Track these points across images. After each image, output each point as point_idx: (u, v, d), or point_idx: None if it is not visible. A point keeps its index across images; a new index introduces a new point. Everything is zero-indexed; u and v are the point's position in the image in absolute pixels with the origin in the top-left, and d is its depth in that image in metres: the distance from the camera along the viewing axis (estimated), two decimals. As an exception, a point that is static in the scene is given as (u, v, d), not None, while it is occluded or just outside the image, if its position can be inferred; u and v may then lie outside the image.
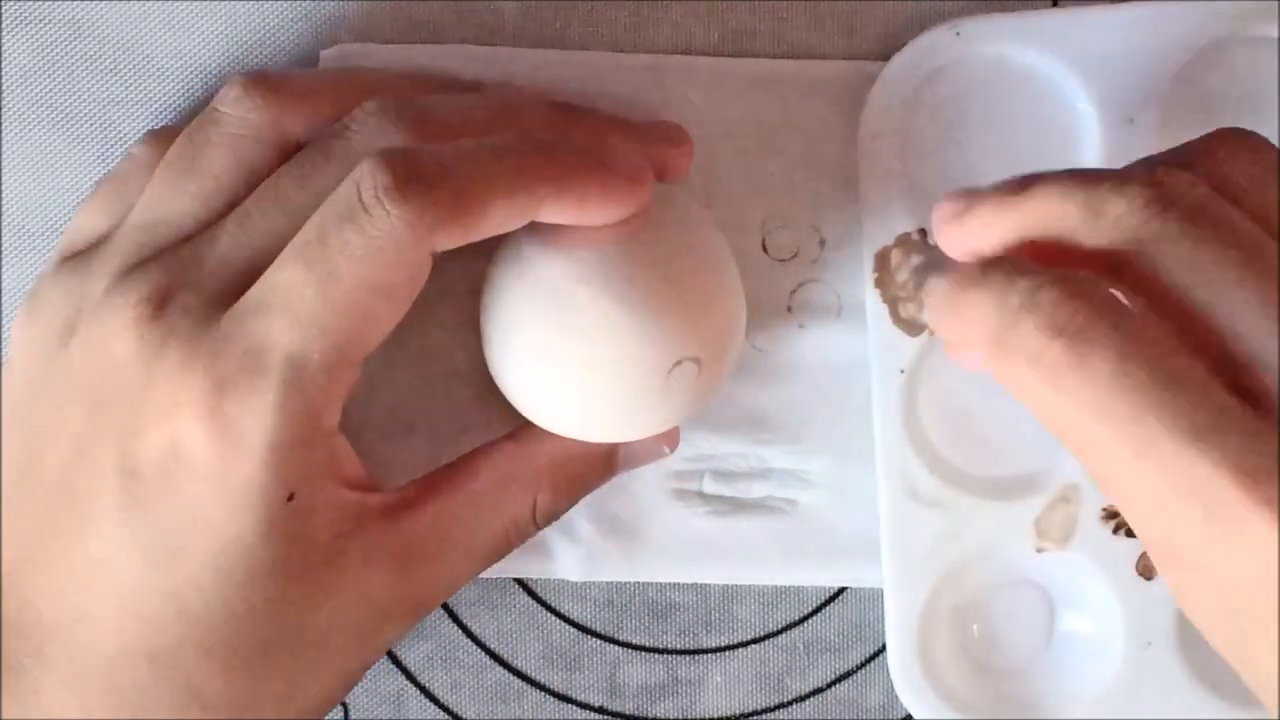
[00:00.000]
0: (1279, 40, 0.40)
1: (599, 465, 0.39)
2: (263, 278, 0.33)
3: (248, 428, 0.32)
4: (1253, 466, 0.28)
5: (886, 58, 0.40)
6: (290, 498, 0.33)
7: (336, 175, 0.34)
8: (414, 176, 0.32)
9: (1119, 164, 0.39)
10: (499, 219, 0.33)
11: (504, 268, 0.36)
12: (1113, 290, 0.31)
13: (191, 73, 0.40)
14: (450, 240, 0.33)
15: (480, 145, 0.33)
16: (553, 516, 0.38)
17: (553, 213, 0.34)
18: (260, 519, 0.33)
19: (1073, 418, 0.30)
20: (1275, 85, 0.41)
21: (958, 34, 0.40)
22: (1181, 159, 0.33)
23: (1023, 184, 0.33)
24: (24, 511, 0.34)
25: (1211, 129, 0.40)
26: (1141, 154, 0.40)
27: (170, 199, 0.36)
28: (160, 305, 0.33)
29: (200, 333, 0.33)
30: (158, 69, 0.40)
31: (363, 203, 0.32)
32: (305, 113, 0.36)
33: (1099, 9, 0.40)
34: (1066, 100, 0.40)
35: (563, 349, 0.34)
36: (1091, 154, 0.40)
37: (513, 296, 0.35)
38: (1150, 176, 0.32)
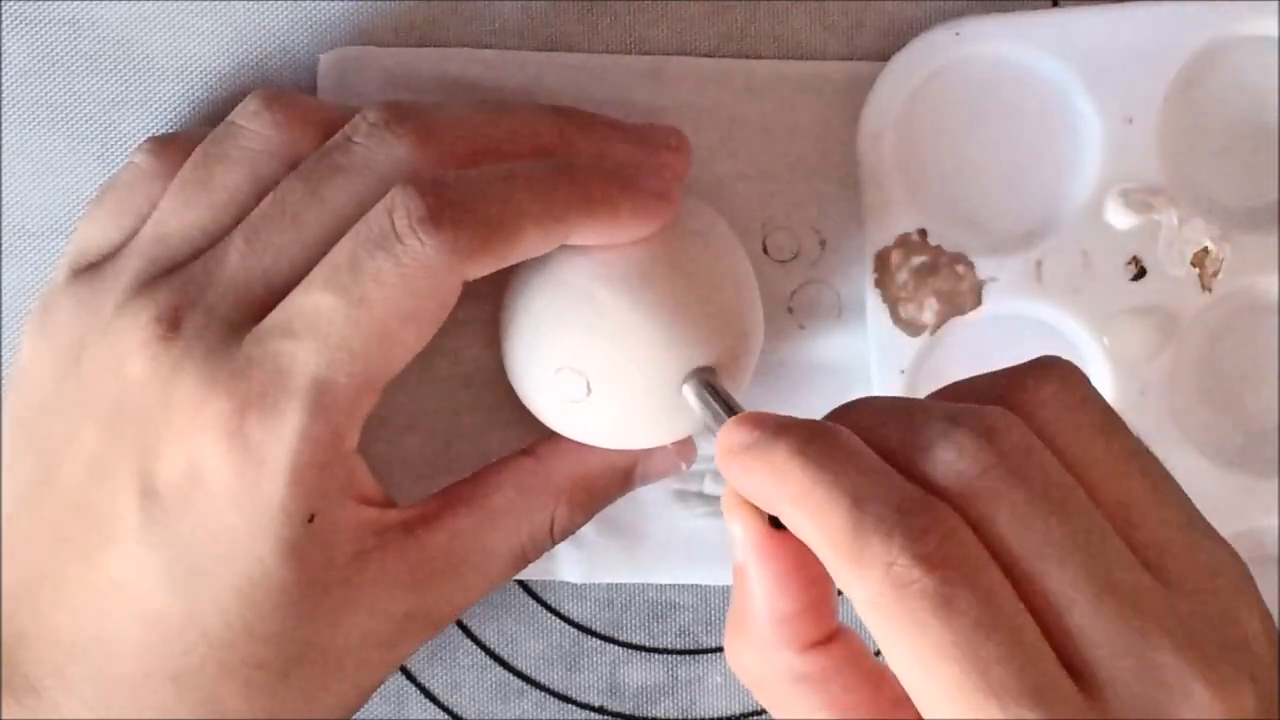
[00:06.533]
0: (1279, 40, 0.40)
1: (618, 480, 0.38)
2: (287, 301, 0.33)
3: (270, 450, 0.32)
4: None
5: (886, 58, 0.40)
6: (311, 519, 0.33)
7: (345, 189, 0.34)
8: (447, 205, 0.32)
9: (1119, 164, 0.40)
10: (530, 246, 0.33)
11: (526, 276, 0.35)
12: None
13: (191, 73, 0.40)
14: (482, 268, 0.33)
15: (511, 172, 0.33)
16: (569, 532, 0.38)
17: (584, 236, 0.34)
18: (281, 540, 0.33)
19: (913, 649, 0.28)
20: (1275, 85, 0.40)
21: (958, 34, 0.40)
22: (997, 391, 0.30)
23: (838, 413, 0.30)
24: (40, 529, 0.34)
25: (1209, 131, 0.41)
26: (1141, 154, 0.40)
27: (182, 212, 0.35)
28: (172, 326, 0.33)
29: (218, 355, 0.32)
30: (158, 69, 0.40)
31: (396, 231, 0.32)
32: (323, 132, 0.36)
33: (1099, 9, 0.40)
34: (1066, 100, 0.40)
35: (586, 355, 0.34)
36: (1092, 154, 0.40)
37: (536, 304, 0.35)
38: (982, 423, 0.29)
